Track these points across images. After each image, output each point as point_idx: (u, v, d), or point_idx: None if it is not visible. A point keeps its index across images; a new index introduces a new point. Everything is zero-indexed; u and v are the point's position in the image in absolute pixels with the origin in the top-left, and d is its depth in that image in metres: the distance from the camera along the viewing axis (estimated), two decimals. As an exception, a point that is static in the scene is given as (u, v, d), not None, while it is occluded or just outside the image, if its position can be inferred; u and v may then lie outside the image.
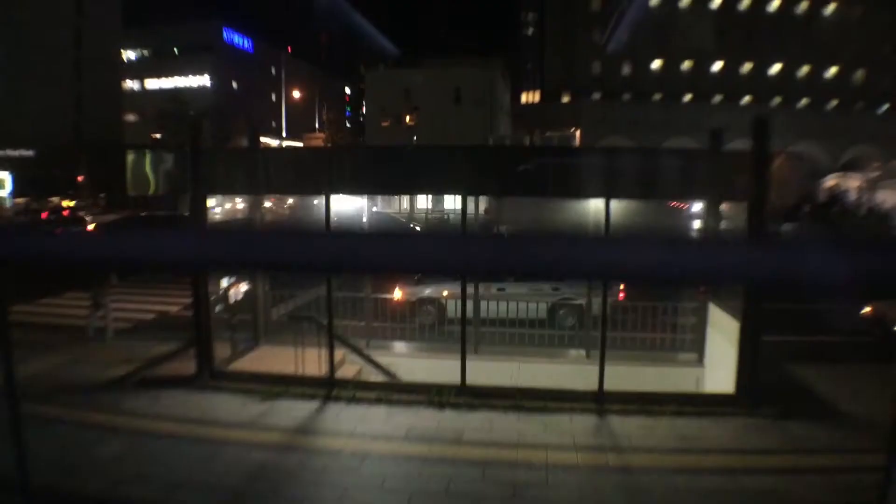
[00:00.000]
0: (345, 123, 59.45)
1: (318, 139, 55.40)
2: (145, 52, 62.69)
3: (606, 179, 6.66)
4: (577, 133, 60.17)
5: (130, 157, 7.53)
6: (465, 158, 6.99)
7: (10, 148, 36.97)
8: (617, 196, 6.78)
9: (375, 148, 7.66)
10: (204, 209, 7.44)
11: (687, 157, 6.73)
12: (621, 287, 11.72)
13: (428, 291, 12.05)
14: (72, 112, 45.83)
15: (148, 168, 7.54)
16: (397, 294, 11.44)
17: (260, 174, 7.30)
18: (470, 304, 10.91)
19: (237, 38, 64.98)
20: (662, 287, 8.51)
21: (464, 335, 7.51)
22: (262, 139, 60.34)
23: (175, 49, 61.58)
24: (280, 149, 8.36)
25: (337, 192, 7.29)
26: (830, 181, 40.36)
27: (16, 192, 38.97)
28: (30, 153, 38.47)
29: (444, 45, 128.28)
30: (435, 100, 35.37)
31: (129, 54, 60.10)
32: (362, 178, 7.11)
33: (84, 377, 8.31)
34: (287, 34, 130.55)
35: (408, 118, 25.76)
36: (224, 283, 8.39)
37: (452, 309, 11.29)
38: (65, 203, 39.40)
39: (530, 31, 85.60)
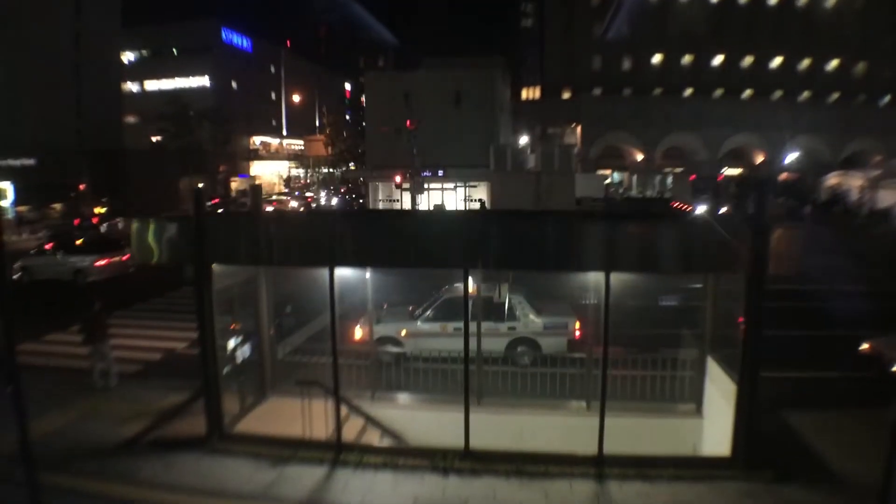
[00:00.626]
0: (344, 125, 59.10)
1: (319, 141, 55.37)
2: (144, 53, 62.47)
3: (606, 252, 6.79)
4: (578, 129, 60.15)
5: (135, 226, 7.63)
6: (466, 228, 7.09)
7: (11, 157, 36.98)
8: (616, 269, 6.91)
9: (376, 216, 7.67)
10: (209, 279, 7.57)
11: (687, 229, 6.83)
12: (577, 326, 11.93)
13: (387, 330, 12.05)
14: (72, 116, 45.73)
15: (151, 237, 7.65)
16: (358, 333, 11.45)
17: (263, 245, 7.43)
18: (438, 343, 11.00)
19: (236, 38, 64.63)
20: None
21: (467, 398, 7.66)
22: (263, 138, 60.69)
23: (174, 50, 61.39)
24: (284, 219, 8.41)
25: (341, 264, 7.42)
26: (832, 179, 40.28)
27: (17, 201, 39.08)
28: (31, 161, 38.49)
29: (444, 38, 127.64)
30: (434, 102, 35.26)
31: (128, 55, 59.85)
32: (363, 251, 7.25)
33: (96, 437, 8.49)
34: (286, 27, 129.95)
35: (408, 125, 25.84)
36: (231, 343, 8.55)
37: (412, 347, 11.44)
38: (97, 210, 39.94)
39: (530, 24, 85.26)
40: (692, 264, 7.06)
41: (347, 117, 78.04)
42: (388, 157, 34.78)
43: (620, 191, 47.05)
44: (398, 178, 29.26)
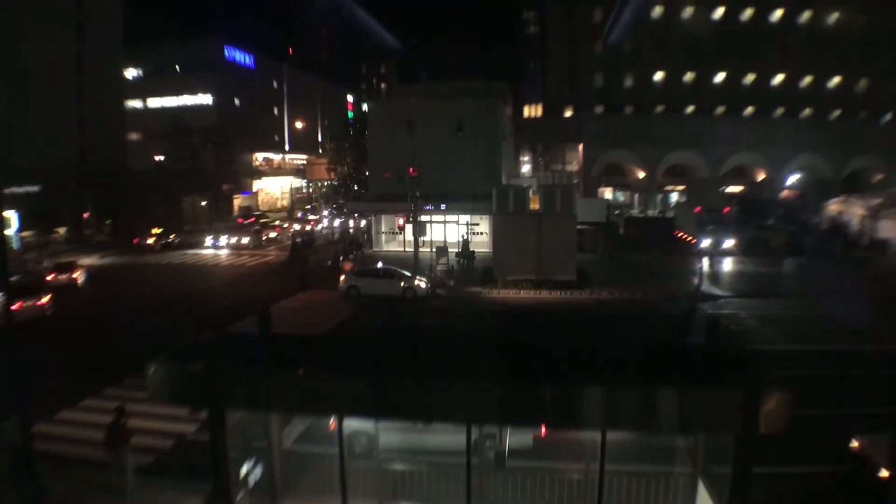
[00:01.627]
0: (346, 138, 58.99)
1: (322, 164, 55.57)
2: (147, 71, 62.65)
3: (603, 413, 7.08)
4: (580, 147, 60.46)
5: (151, 368, 7.89)
6: (469, 387, 7.37)
7: (15, 184, 37.16)
8: (612, 428, 7.21)
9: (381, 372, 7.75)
10: (223, 424, 7.84)
11: (680, 392, 7.10)
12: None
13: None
14: (74, 137, 45.93)
15: (165, 378, 7.91)
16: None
17: (276, 396, 7.72)
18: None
19: (238, 55, 64.82)
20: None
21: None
22: (265, 154, 60.99)
23: (177, 67, 61.64)
24: (297, 376, 8.58)
25: (349, 415, 7.74)
26: (833, 206, 40.47)
27: (21, 227, 39.27)
28: (35, 188, 38.79)
29: (447, 56, 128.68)
30: (437, 130, 35.65)
31: (130, 72, 60.07)
32: (370, 405, 7.57)
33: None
34: (288, 31, 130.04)
35: (411, 170, 26.19)
36: (244, 469, 8.82)
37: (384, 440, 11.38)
38: (154, 230, 42.03)
39: (532, 36, 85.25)
40: (685, 425, 7.34)
41: (351, 132, 78.21)
42: (391, 186, 35.13)
43: (619, 212, 47.19)
44: (401, 221, 29.53)
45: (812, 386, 15.28)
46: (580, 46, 61.79)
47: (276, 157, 72.29)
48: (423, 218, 32.47)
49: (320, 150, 73.42)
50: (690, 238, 33.82)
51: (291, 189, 67.95)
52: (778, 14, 60.43)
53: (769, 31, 60.31)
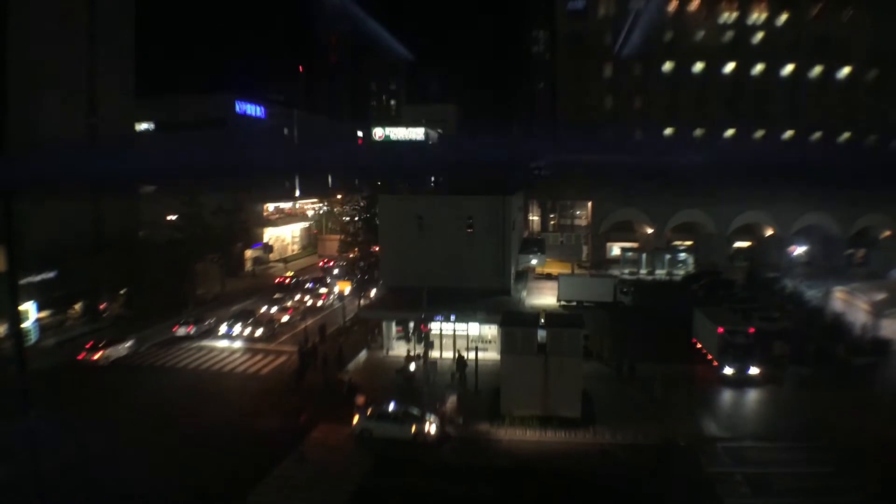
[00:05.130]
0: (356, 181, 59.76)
1: (334, 241, 56.18)
2: (158, 125, 63.11)
3: None
4: (589, 205, 60.77)
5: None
6: None
7: (32, 273, 37.76)
8: None
9: None
10: None
11: None
12: None
13: None
14: (89, 211, 46.17)
15: None
16: None
17: None
18: None
19: (249, 108, 65.20)
20: None
21: None
22: (276, 204, 61.71)
23: (188, 123, 62.04)
24: None
25: None
26: (839, 294, 40.68)
27: (39, 307, 39.87)
28: (51, 275, 39.36)
29: (455, 81, 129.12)
30: (446, 226, 36.38)
31: (140, 126, 60.41)
32: None
33: None
34: (298, 52, 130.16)
35: (423, 327, 26.84)
36: None
37: None
38: (287, 273, 54.58)
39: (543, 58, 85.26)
40: None
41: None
42: (404, 278, 35.93)
43: (626, 289, 47.37)
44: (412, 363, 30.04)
45: None
46: (590, 101, 61.86)
47: (287, 205, 72.97)
48: (433, 325, 33.25)
49: (329, 187, 74.26)
50: (711, 357, 33.30)
51: (303, 232, 68.39)
52: (788, 69, 60.21)
53: (779, 87, 60.13)
